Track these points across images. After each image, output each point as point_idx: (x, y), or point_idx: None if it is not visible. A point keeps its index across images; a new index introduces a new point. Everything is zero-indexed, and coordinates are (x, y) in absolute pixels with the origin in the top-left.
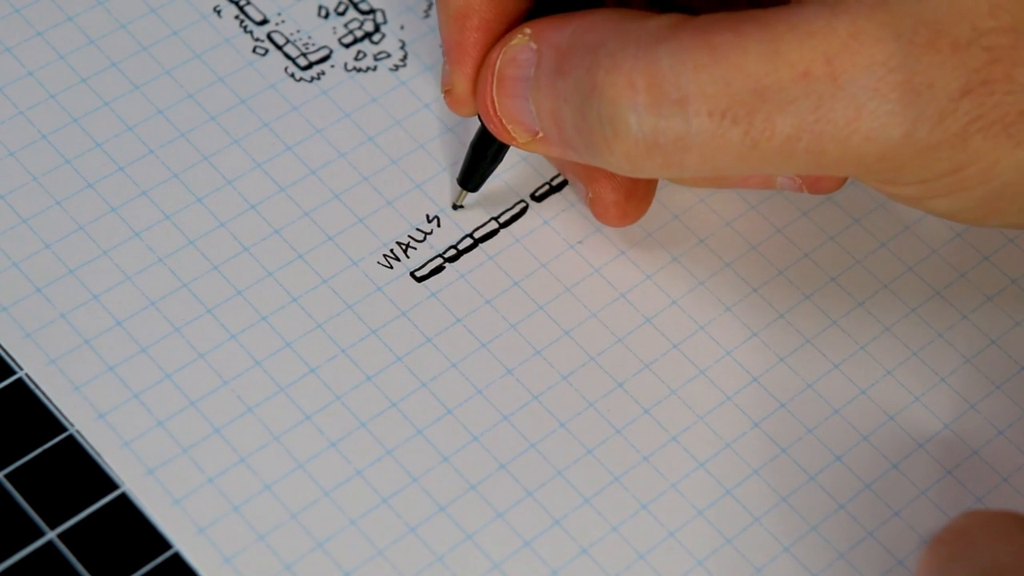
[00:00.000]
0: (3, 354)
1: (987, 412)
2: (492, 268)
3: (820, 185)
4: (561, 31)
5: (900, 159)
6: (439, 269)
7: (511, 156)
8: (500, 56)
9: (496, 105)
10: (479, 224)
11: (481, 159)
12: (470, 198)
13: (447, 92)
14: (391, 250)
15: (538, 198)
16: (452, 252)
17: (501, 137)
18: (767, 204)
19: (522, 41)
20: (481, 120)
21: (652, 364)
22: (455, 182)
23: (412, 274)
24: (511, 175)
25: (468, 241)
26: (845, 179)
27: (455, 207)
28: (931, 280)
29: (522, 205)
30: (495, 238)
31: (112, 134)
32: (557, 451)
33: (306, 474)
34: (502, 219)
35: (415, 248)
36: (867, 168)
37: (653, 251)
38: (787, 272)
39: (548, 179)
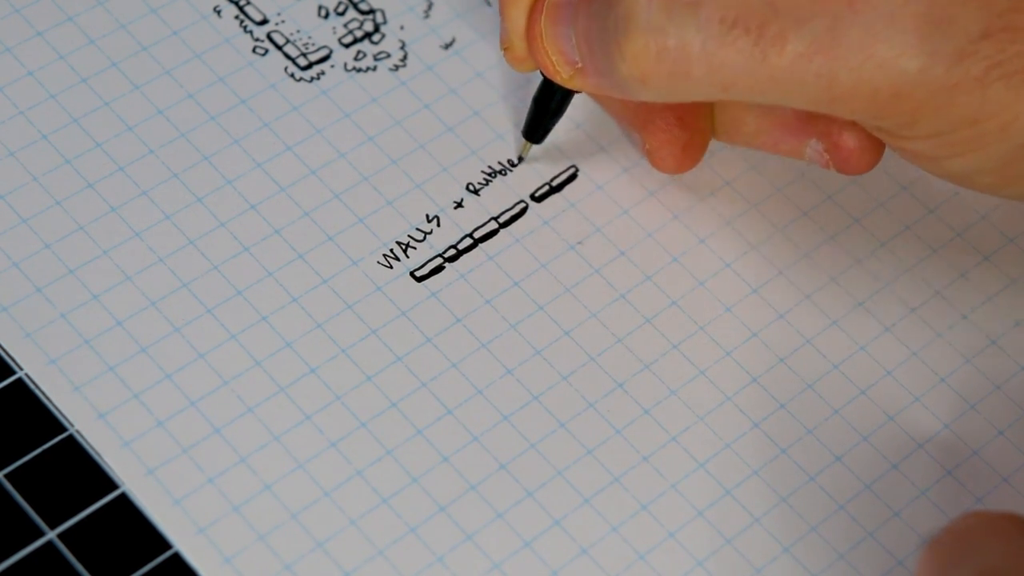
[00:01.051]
0: (3, 354)
1: (987, 412)
2: (492, 268)
3: (849, 163)
4: None
5: (915, 98)
6: (439, 269)
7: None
8: None
9: (543, 35)
10: (479, 224)
11: (544, 112)
12: (534, 151)
13: (506, 49)
14: (391, 250)
15: (538, 198)
16: (452, 252)
17: (547, 72)
18: (767, 203)
19: None
20: (542, 73)
21: (652, 364)
22: (520, 135)
23: (412, 274)
24: (513, 176)
25: (468, 241)
26: (875, 159)
27: (520, 159)
28: (931, 280)
29: (522, 205)
30: (495, 238)
31: (112, 134)
32: (557, 451)
33: (306, 474)
34: (502, 219)
35: (415, 248)
36: (881, 107)
37: (653, 251)
38: (787, 272)
39: (548, 179)
